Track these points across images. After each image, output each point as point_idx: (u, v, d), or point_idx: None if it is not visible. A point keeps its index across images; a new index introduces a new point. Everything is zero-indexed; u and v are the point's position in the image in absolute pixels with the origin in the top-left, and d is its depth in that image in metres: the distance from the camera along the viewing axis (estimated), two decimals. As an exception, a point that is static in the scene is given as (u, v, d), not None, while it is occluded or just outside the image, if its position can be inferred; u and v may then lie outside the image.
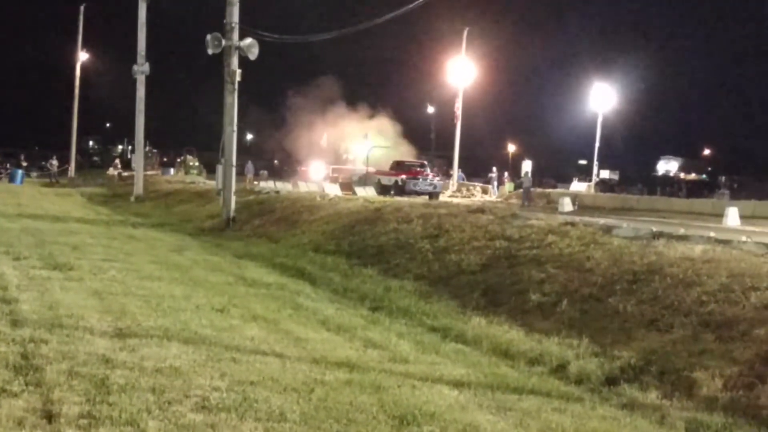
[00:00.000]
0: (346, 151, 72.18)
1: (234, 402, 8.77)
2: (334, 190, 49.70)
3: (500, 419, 9.23)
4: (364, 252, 24.02)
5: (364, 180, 59.96)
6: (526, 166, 69.57)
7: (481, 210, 26.14)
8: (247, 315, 14.21)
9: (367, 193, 51.44)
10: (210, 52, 33.87)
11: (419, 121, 78.22)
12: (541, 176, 60.93)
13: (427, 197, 48.27)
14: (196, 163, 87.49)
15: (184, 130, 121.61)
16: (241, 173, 54.12)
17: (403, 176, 54.04)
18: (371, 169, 62.63)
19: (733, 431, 9.52)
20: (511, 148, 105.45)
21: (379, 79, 73.69)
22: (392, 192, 51.67)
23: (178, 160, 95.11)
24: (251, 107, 70.55)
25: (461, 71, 65.29)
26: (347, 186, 58.29)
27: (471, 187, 64.66)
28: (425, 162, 61.07)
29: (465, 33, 65.64)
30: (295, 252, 25.57)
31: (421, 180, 53.87)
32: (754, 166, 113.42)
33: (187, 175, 73.87)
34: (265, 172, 75.84)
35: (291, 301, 16.59)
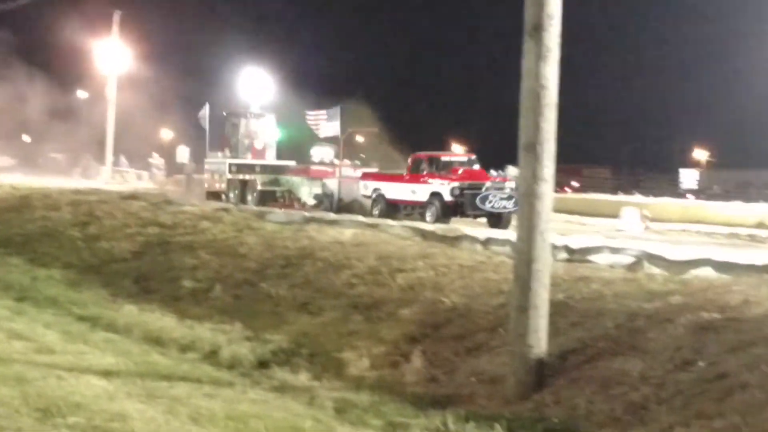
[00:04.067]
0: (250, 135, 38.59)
1: None
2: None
3: (149, 407, 9.07)
4: (9, 241, 22.98)
5: (334, 190, 33.74)
6: (183, 152, 68.87)
7: (133, 196, 25.72)
8: None
9: None
10: None
11: (71, 106, 75.54)
12: (196, 162, 60.29)
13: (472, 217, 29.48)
14: None
15: None
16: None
17: (455, 185, 29.35)
18: (350, 172, 35.71)
19: (380, 408, 9.78)
20: (168, 134, 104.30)
21: (31, 62, 70.09)
22: (431, 215, 29.22)
23: None
24: None
25: (113, 56, 63.73)
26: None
27: (125, 174, 63.32)
28: (473, 156, 33.54)
29: (116, 16, 64.00)
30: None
31: (492, 191, 29.16)
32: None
33: None
34: None
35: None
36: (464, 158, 32.81)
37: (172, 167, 64.75)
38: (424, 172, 30.69)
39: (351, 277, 14.57)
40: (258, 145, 38.95)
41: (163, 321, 14.48)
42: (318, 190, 33.84)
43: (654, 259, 14.09)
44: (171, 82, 66.98)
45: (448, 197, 28.97)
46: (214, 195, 37.02)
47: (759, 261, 13.39)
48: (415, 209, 30.10)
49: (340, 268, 15.11)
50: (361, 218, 19.84)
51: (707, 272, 12.92)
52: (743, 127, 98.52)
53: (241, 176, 36.80)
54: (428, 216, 28.90)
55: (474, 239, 17.05)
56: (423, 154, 32.50)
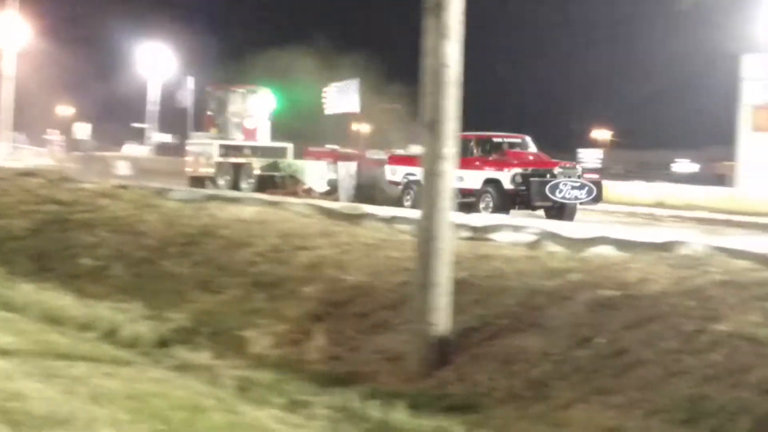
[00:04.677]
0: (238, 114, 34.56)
1: None
2: None
3: (48, 386, 8.93)
4: None
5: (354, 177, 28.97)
6: (83, 128, 67.76)
7: (31, 173, 25.17)
8: None
9: None
10: None
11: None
12: (97, 139, 59.27)
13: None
14: None
15: None
16: None
17: (517, 171, 25.08)
18: (373, 154, 31.20)
19: (282, 386, 9.75)
20: (67, 110, 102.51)
21: None
22: (485, 205, 24.94)
23: None
24: None
25: (11, 30, 62.33)
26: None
27: (23, 150, 62.13)
28: (527, 137, 28.19)
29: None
30: None
31: (562, 178, 25.02)
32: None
33: None
34: None
35: None
36: (517, 139, 27.61)
37: (71, 144, 63.77)
38: (473, 155, 25.88)
39: (253, 255, 14.48)
40: (249, 125, 34.34)
41: (61, 299, 14.23)
42: (333, 176, 29.58)
43: (554, 237, 14.25)
44: (71, 57, 65.85)
45: (508, 185, 24.60)
46: (197, 180, 32.92)
47: (657, 239, 13.61)
48: (457, 197, 22.61)
49: (241, 245, 15.02)
50: (263, 196, 19.75)
51: (606, 250, 13.09)
52: (643, 108, 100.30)
53: (233, 159, 32.32)
54: (482, 206, 24.60)
55: (377, 217, 17.09)
56: (470, 134, 26.02)
